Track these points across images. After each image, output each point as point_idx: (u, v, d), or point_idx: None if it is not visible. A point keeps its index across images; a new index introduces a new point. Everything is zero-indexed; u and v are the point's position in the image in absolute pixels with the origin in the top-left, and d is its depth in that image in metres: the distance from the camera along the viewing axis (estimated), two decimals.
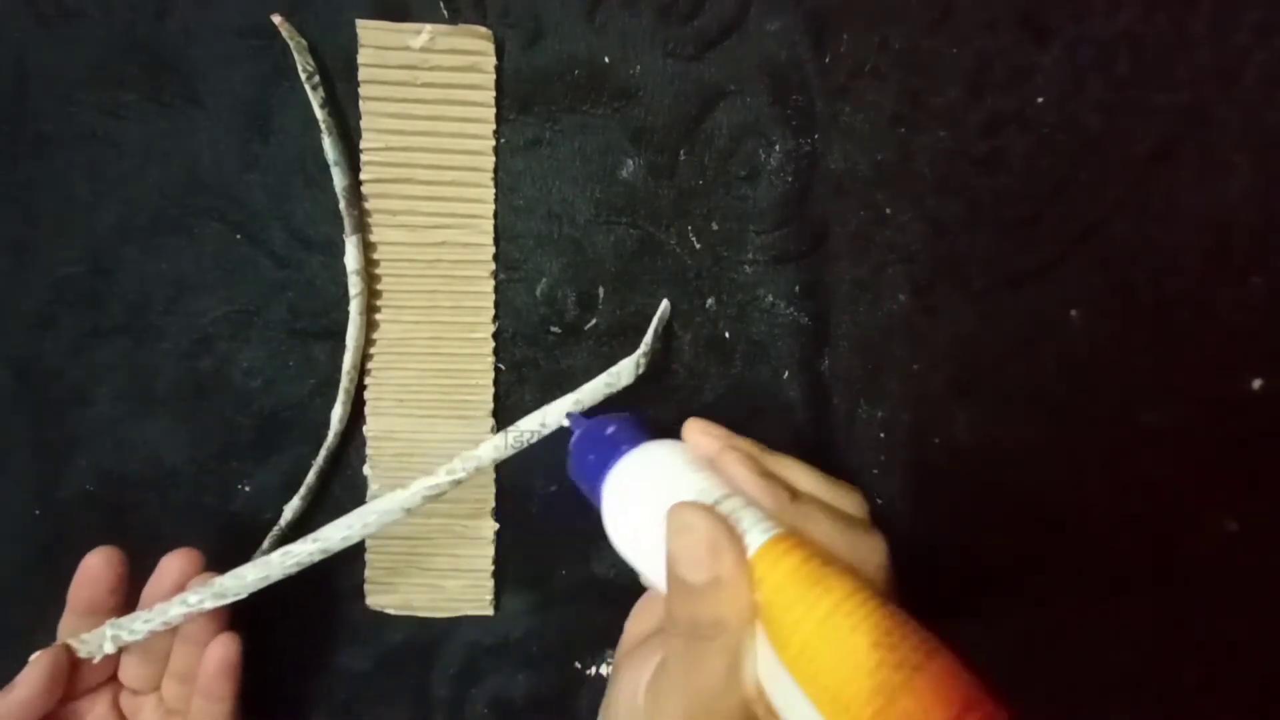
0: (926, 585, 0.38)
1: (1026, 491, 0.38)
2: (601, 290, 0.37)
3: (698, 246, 0.37)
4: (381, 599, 0.38)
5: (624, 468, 0.28)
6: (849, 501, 0.27)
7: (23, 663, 0.31)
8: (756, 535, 0.24)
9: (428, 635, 0.38)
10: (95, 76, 0.36)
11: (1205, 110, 0.37)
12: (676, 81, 0.36)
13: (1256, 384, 0.38)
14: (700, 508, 0.24)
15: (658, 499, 0.26)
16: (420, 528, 0.38)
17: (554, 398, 0.36)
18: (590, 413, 0.33)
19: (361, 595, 0.38)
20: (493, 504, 0.38)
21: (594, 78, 0.36)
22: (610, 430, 0.29)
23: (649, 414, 0.30)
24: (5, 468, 0.37)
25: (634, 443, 0.29)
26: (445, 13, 0.36)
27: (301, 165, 0.36)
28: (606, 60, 0.36)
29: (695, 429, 0.29)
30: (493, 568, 0.38)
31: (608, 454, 0.29)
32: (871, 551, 0.25)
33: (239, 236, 0.37)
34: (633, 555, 0.28)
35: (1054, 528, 0.38)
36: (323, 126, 0.35)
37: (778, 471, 0.27)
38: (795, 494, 0.26)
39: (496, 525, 0.38)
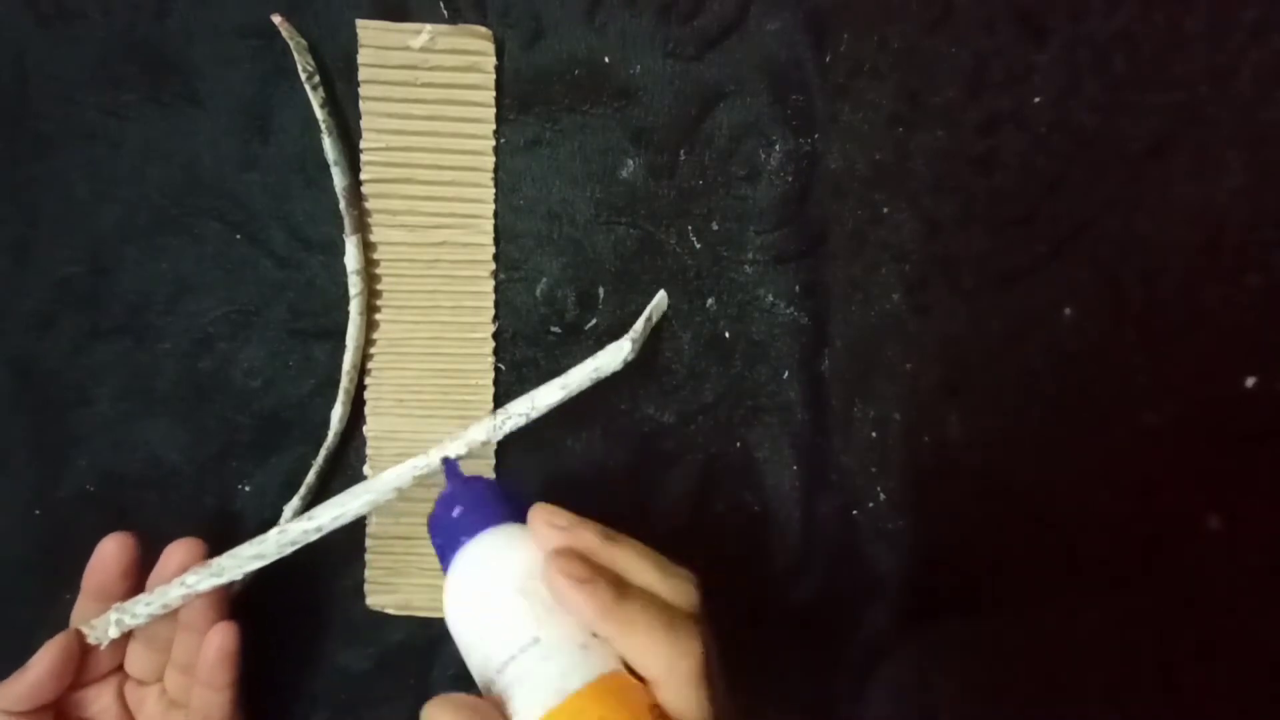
0: (921, 584, 0.38)
1: (1019, 490, 0.38)
2: (601, 290, 0.37)
3: (698, 246, 0.37)
4: (381, 599, 0.38)
5: (460, 564, 0.28)
6: (680, 593, 0.27)
7: (24, 662, 0.31)
8: (539, 704, 0.24)
9: (428, 635, 0.38)
10: (95, 76, 0.36)
11: (1200, 109, 0.37)
12: (676, 81, 0.36)
13: (1250, 382, 0.38)
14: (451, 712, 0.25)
15: (480, 611, 0.27)
16: (420, 527, 0.37)
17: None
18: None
19: (361, 595, 0.38)
20: None
21: (594, 78, 0.36)
22: (457, 513, 0.29)
23: (516, 479, 0.30)
24: (5, 468, 0.37)
25: (476, 529, 0.28)
26: (445, 13, 0.36)
27: (301, 165, 0.36)
28: (606, 60, 0.36)
29: (539, 519, 0.28)
30: None
31: (452, 538, 0.29)
32: (684, 655, 0.26)
33: (239, 236, 0.37)
34: (463, 649, 0.28)
35: (1046, 526, 0.38)
36: (323, 126, 0.35)
37: (613, 563, 0.28)
38: (623, 592, 0.26)
39: None
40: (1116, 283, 0.37)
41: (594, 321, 0.37)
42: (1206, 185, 0.37)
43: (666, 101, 0.36)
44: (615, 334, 0.37)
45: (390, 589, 0.38)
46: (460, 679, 0.38)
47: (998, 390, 0.38)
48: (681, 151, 0.37)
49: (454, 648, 0.38)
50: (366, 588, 0.38)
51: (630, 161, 0.37)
